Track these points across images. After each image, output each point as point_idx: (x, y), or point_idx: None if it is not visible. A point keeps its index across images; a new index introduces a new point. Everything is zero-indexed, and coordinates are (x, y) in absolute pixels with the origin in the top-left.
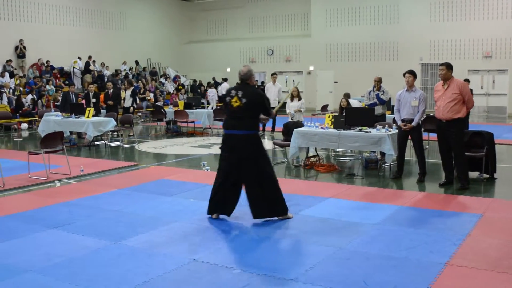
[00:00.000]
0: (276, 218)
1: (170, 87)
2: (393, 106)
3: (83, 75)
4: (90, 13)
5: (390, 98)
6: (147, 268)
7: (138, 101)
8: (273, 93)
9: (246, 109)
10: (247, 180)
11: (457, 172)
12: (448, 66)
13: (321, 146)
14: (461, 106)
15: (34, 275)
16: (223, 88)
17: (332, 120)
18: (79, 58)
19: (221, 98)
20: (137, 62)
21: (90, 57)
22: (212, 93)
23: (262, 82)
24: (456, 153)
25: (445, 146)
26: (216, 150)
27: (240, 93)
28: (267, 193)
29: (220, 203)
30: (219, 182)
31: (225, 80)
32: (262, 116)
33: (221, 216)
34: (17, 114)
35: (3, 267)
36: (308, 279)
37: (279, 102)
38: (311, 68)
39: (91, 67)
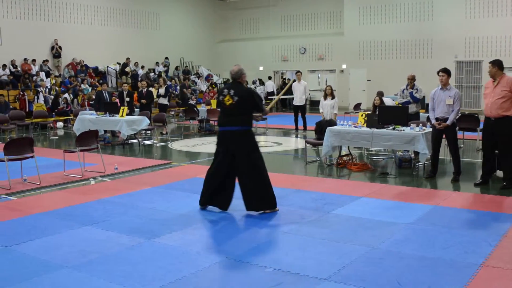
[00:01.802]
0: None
1: (202, 85)
2: (427, 104)
3: (120, 76)
4: (124, 13)
5: (424, 96)
6: (180, 265)
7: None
8: (299, 91)
9: (238, 106)
10: (240, 174)
11: (504, 171)
12: (495, 64)
13: (354, 145)
14: (511, 104)
15: (70, 271)
16: (268, 86)
17: (365, 118)
18: (118, 63)
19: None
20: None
21: (128, 59)
22: (260, 90)
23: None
24: (503, 152)
25: (490, 144)
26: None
27: (232, 92)
28: (258, 187)
29: (213, 195)
30: (210, 173)
31: (269, 78)
32: (255, 113)
33: (255, 216)
34: (53, 113)
35: (40, 263)
36: (340, 278)
37: (306, 100)
38: (344, 66)
39: (127, 69)
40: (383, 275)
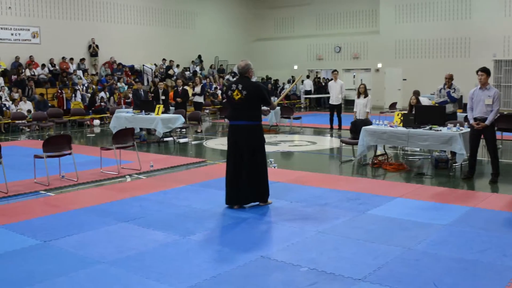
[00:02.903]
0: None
1: None
2: (465, 104)
3: (164, 79)
4: (160, 13)
5: (461, 96)
6: (215, 263)
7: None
8: (335, 90)
9: (247, 100)
10: (245, 167)
11: None
12: None
13: (390, 145)
14: None
15: (106, 267)
16: (306, 85)
17: (402, 118)
18: (155, 64)
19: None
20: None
21: (172, 61)
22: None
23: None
24: None
25: None
26: (283, 148)
27: (240, 86)
28: (256, 182)
29: (236, 194)
30: (229, 174)
31: (307, 77)
32: (263, 107)
33: (288, 214)
34: (90, 111)
35: (77, 258)
36: (376, 279)
37: (342, 99)
38: (379, 65)
39: (171, 71)
40: (420, 277)
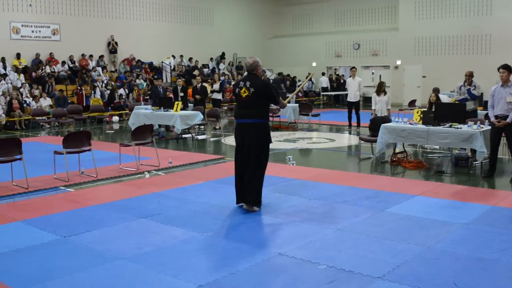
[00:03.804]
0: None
1: None
2: (485, 101)
3: (190, 79)
4: (178, 9)
5: (482, 94)
6: (233, 259)
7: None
8: (354, 87)
9: (254, 98)
10: (247, 165)
11: None
12: None
13: (409, 142)
14: None
15: (125, 263)
16: (322, 81)
17: (421, 115)
18: (173, 56)
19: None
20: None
21: (197, 62)
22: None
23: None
24: None
25: None
26: (302, 145)
27: (248, 83)
28: (256, 183)
29: (242, 192)
30: (237, 172)
31: (323, 74)
32: (272, 106)
33: (307, 211)
34: (109, 107)
35: (96, 254)
36: (395, 277)
37: (360, 96)
38: (398, 62)
39: (196, 72)
40: (439, 276)
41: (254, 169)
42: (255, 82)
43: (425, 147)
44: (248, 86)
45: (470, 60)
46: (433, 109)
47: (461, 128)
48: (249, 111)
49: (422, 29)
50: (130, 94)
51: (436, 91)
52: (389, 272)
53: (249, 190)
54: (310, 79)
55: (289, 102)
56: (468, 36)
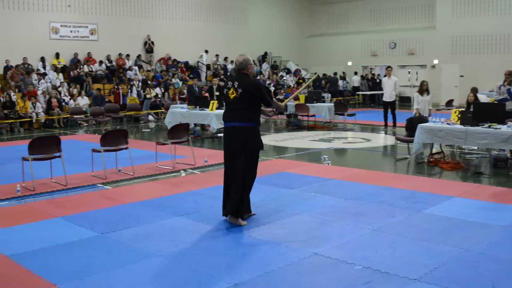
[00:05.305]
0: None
1: (290, 80)
2: None
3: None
4: (213, 9)
5: None
6: (268, 259)
7: None
8: (389, 87)
9: (243, 99)
10: (234, 174)
11: None
12: None
13: (446, 143)
14: None
15: (161, 260)
16: (354, 81)
17: (459, 115)
18: (206, 51)
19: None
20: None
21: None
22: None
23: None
24: None
25: None
26: (338, 144)
27: (236, 84)
28: (244, 195)
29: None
30: (224, 182)
31: (355, 73)
32: (264, 108)
33: (343, 211)
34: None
35: (133, 251)
36: (432, 279)
37: (396, 96)
38: (435, 61)
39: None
40: (477, 279)
41: (240, 177)
42: (244, 82)
43: (462, 148)
44: (236, 86)
45: (509, 59)
46: (471, 109)
47: (500, 128)
48: (237, 114)
49: (460, 27)
50: (166, 93)
51: (474, 90)
52: (426, 274)
53: (231, 200)
54: (314, 80)
55: (286, 103)
56: (507, 34)
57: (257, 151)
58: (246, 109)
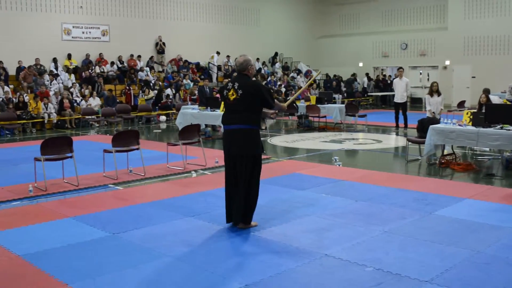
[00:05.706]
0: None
1: (301, 81)
2: None
3: (255, 76)
4: (225, 10)
5: None
6: (279, 260)
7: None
8: (401, 88)
9: (243, 101)
10: (235, 179)
11: None
12: None
13: (458, 144)
14: None
15: (172, 260)
16: (365, 82)
17: (471, 117)
18: (218, 52)
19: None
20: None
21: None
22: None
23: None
24: None
25: None
26: (349, 146)
27: (236, 85)
28: (249, 201)
29: (230, 210)
30: (225, 187)
31: (366, 75)
32: (266, 110)
33: (354, 212)
34: (157, 107)
35: (144, 251)
36: (443, 281)
37: (407, 97)
38: (447, 62)
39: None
40: (489, 282)
41: (243, 184)
42: (244, 83)
43: (474, 149)
44: (236, 87)
45: None
46: (483, 110)
47: None
48: (237, 116)
49: (472, 28)
50: (177, 94)
51: (486, 92)
52: (437, 276)
53: (236, 209)
54: (315, 80)
55: (288, 105)
56: None
57: (258, 154)
58: (246, 111)
